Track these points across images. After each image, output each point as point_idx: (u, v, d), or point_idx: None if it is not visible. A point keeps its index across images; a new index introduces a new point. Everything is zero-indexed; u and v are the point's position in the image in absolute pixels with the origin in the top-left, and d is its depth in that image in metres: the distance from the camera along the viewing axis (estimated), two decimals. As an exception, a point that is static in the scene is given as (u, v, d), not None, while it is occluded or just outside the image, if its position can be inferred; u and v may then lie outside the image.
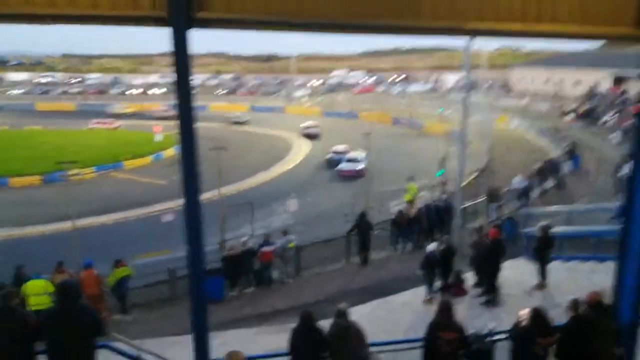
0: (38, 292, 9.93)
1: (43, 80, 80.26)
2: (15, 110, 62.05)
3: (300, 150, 39.65)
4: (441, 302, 5.81)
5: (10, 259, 17.25)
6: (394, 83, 73.93)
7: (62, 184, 27.69)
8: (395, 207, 18.66)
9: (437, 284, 10.35)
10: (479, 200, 18.43)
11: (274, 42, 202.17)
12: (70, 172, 27.39)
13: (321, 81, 79.11)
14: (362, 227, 14.26)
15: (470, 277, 10.35)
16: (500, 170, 24.48)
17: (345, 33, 6.14)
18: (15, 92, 73.35)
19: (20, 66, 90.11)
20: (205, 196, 5.84)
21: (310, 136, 44.09)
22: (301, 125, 45.95)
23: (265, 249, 13.14)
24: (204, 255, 5.76)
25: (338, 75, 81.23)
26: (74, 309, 4.74)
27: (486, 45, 43.15)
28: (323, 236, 16.78)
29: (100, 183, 29.95)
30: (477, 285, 10.13)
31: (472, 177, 24.55)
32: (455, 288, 10.05)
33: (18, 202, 26.04)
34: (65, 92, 73.74)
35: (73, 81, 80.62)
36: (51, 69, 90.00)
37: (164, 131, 39.25)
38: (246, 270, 13.10)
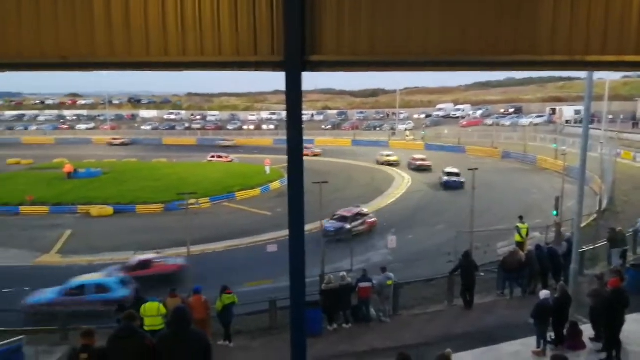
0: (153, 314, 10.75)
1: (170, 117, 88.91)
2: (145, 144, 69.41)
3: (402, 184, 39.25)
4: (555, 356, 5.35)
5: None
6: (503, 115, 70.76)
7: (181, 212, 30.27)
8: (503, 248, 17.57)
9: (550, 335, 9.50)
10: (599, 244, 16.71)
11: (380, 76, 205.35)
12: (188, 202, 29.91)
13: (426, 114, 78.26)
14: (467, 268, 13.60)
15: (588, 330, 9.36)
16: (624, 210, 22.07)
17: (459, 70, 6.11)
18: (146, 127, 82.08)
19: (150, 104, 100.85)
20: (307, 228, 6.03)
21: (421, 169, 43.64)
22: (411, 158, 46.18)
23: (363, 285, 13.05)
24: (305, 287, 5.91)
25: (444, 108, 79.72)
26: (186, 334, 5.02)
27: (610, 74, 39.62)
28: (423, 275, 16.28)
29: (214, 213, 32.04)
30: (595, 339, 9.13)
31: (592, 218, 22.42)
32: (571, 341, 9.15)
33: (142, 228, 28.73)
34: (188, 128, 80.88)
35: (195, 118, 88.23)
36: (177, 107, 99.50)
37: (273, 164, 41.36)
38: (344, 305, 13.08)
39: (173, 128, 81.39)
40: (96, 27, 5.02)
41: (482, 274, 15.38)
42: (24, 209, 32.41)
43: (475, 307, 13.49)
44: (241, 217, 30.89)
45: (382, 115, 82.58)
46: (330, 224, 24.00)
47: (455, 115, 75.28)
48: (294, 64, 5.11)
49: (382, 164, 47.41)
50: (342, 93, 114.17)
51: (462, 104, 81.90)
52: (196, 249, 21.08)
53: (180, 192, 28.66)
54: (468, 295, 13.59)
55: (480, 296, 14.13)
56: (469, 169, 22.10)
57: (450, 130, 62.83)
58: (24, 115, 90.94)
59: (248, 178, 40.88)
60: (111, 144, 69.17)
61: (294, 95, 5.21)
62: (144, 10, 5.02)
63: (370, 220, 26.08)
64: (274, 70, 5.25)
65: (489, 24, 5.04)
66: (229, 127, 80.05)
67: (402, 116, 76.99)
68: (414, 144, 59.24)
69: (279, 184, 38.75)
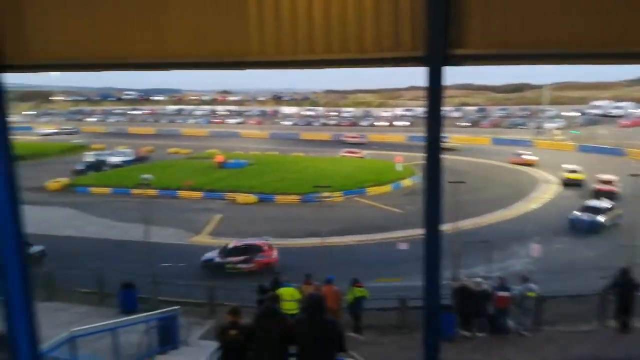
0: (287, 299, 11.36)
1: (307, 113, 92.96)
2: (285, 138, 73.54)
3: (549, 188, 36.03)
4: None
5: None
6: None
7: (316, 204, 31.59)
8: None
9: None
10: None
11: (525, 70, 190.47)
12: (323, 195, 31.09)
13: (578, 112, 70.68)
14: (624, 286, 12.04)
15: None
16: None
17: (622, 63, 5.47)
18: (286, 123, 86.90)
19: (291, 101, 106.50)
20: (442, 228, 5.87)
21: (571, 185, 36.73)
22: (564, 170, 38.63)
23: (502, 294, 12.30)
24: (440, 290, 5.79)
25: (600, 105, 71.20)
26: (320, 321, 5.17)
27: None
28: (571, 290, 14.81)
29: (346, 207, 32.80)
30: None
31: None
32: None
33: (281, 217, 30.56)
34: (324, 124, 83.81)
35: (331, 114, 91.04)
36: (315, 103, 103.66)
37: (405, 162, 40.92)
38: (479, 312, 12.49)
39: (310, 124, 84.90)
40: (250, 28, 5.33)
41: (644, 294, 13.48)
42: (181, 193, 36.60)
43: (633, 331, 11.90)
44: (372, 213, 31.17)
45: (527, 112, 76.53)
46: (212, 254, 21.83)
47: (614, 113, 66.78)
48: (436, 59, 4.97)
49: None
50: (481, 88, 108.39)
51: (622, 100, 72.30)
52: (329, 240, 21.84)
53: (316, 185, 30.01)
54: (624, 316, 12.03)
55: (640, 319, 12.42)
56: (630, 175, 19.53)
57: (608, 130, 56.01)
58: (182, 109, 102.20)
59: (379, 174, 41.04)
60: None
61: (435, 91, 5.07)
62: (292, 10, 5.24)
63: (263, 259, 21.35)
64: (415, 65, 5.17)
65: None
66: (362, 123, 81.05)
67: (550, 113, 70.50)
68: (564, 145, 53.95)
69: (411, 181, 38.24)
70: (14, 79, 5.82)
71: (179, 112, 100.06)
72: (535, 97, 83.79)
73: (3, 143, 5.58)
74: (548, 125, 64.85)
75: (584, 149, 50.79)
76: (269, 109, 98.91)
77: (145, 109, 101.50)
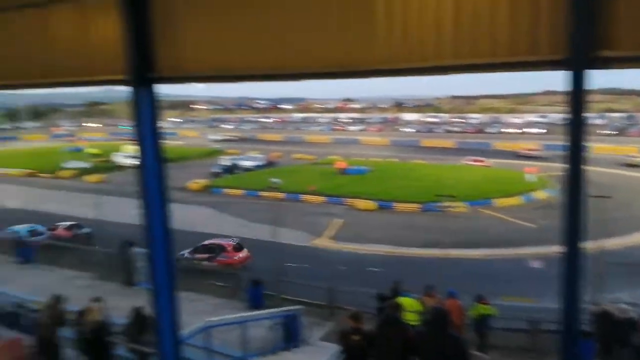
0: (407, 309, 11.19)
1: (429, 120, 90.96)
2: (405, 145, 72.76)
3: None
4: None
5: (388, 272, 20.35)
6: None
7: (437, 214, 30.75)
8: None
9: None
10: None
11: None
12: (445, 204, 30.15)
13: None
14: None
15: None
16: None
17: None
18: (407, 130, 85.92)
19: (413, 108, 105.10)
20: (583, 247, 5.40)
21: None
22: None
23: (654, 324, 10.87)
24: (580, 314, 5.31)
25: None
26: (445, 336, 5.02)
27: None
28: None
29: (471, 218, 31.43)
30: None
31: None
32: None
33: (400, 225, 30.27)
34: (447, 131, 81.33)
35: (455, 121, 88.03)
36: (438, 109, 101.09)
37: (538, 172, 38.00)
38: (623, 342, 11.16)
39: (431, 131, 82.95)
40: (377, 36, 5.29)
41: None
42: (305, 197, 38.13)
43: None
44: (499, 226, 29.44)
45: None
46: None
47: None
48: (580, 61, 4.56)
49: None
50: (630, 93, 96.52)
51: None
52: (451, 252, 21.15)
53: (438, 194, 29.24)
54: None
55: None
56: None
57: None
58: (308, 117, 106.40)
59: (507, 185, 38.64)
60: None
61: (577, 97, 4.65)
62: (420, 14, 5.12)
63: (225, 260, 21.66)
64: (555, 69, 4.80)
65: None
66: (490, 130, 77.03)
67: None
68: None
69: (545, 194, 35.41)
70: (164, 90, 6.64)
71: (304, 120, 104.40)
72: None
73: (155, 147, 6.38)
74: None
75: None
76: (390, 116, 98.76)
77: (275, 117, 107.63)
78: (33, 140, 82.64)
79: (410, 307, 11.60)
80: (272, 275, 17.69)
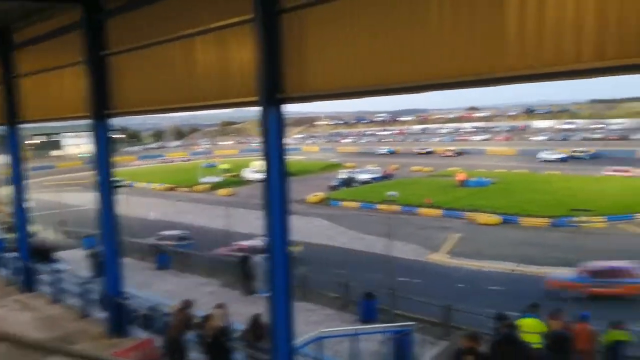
0: (529, 330, 10.35)
1: (564, 127, 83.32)
2: (534, 155, 67.41)
3: None
4: None
5: (509, 292, 18.99)
6: None
7: (570, 229, 27.97)
8: None
9: None
10: None
11: None
12: (580, 219, 27.32)
13: None
14: None
15: None
16: None
17: None
18: (539, 138, 79.60)
19: (547, 114, 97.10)
20: None
21: None
22: None
23: None
24: None
25: None
26: None
27: None
28: None
29: (610, 234, 28.15)
30: None
31: None
32: None
33: (527, 241, 28.11)
34: (585, 138, 73.84)
35: (595, 127, 79.63)
36: (575, 115, 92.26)
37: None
38: None
39: (566, 138, 75.88)
40: (508, 39, 4.94)
41: None
42: (421, 210, 37.29)
43: None
44: (642, 243, 25.91)
45: None
46: None
47: None
48: None
49: None
50: None
51: None
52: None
53: (574, 208, 26.65)
54: None
55: None
56: None
57: None
58: (427, 128, 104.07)
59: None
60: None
61: None
62: (559, 16, 4.70)
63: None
64: None
65: None
66: (635, 136, 68.24)
67: None
68: None
69: None
70: (290, 108, 7.14)
71: (423, 131, 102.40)
72: None
73: (280, 162, 6.85)
74: None
75: None
76: (519, 123, 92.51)
77: (394, 129, 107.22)
78: (175, 157, 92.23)
79: (533, 328, 10.75)
80: (385, 289, 17.52)
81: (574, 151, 60.46)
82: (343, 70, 6.24)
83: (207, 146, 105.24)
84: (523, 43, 4.86)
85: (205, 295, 16.50)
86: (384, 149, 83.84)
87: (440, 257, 26.42)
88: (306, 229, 27.54)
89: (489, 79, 5.31)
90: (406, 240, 28.04)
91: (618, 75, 4.77)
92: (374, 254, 24.11)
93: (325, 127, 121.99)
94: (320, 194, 45.48)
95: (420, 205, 37.88)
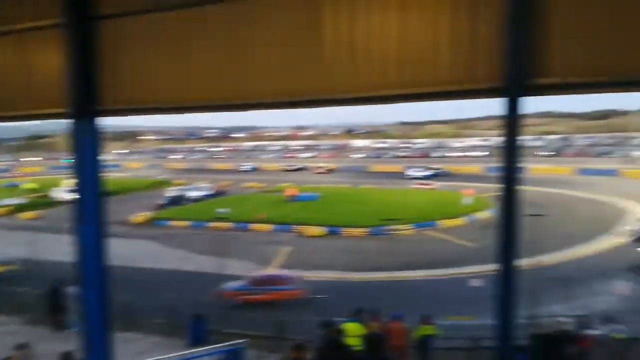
0: (352, 334, 11.05)
1: (379, 146, 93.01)
2: (355, 171, 73.78)
3: (635, 221, 32.99)
4: None
5: (335, 299, 20.24)
6: None
7: (384, 237, 31.11)
8: None
9: None
10: None
11: (614, 96, 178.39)
12: (392, 228, 30.59)
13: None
14: None
15: None
16: None
17: None
18: (357, 156, 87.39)
19: (363, 134, 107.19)
20: (518, 264, 5.56)
21: None
22: None
23: (584, 334, 11.27)
24: (514, 329, 5.41)
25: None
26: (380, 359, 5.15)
27: None
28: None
29: (417, 240, 31.97)
30: None
31: None
32: None
33: (349, 250, 30.34)
34: (395, 156, 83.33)
35: (403, 146, 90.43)
36: (387, 135, 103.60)
37: (478, 193, 39.40)
38: (558, 354, 11.48)
39: (381, 156, 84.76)
40: (324, 67, 5.39)
41: None
42: (253, 226, 37.61)
43: None
44: (443, 247, 30.11)
45: (614, 140, 71.32)
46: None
47: None
48: (515, 89, 4.82)
49: None
50: (565, 116, 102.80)
51: None
52: (396, 275, 21.35)
53: (384, 218, 29.64)
54: None
55: None
56: None
57: None
58: (259, 145, 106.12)
59: (451, 206, 39.81)
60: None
61: (512, 122, 4.89)
62: (366, 46, 5.25)
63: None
64: (492, 97, 5.03)
65: None
66: (435, 154, 79.62)
67: (639, 141, 65.23)
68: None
69: (486, 214, 36.67)
70: (110, 121, 6.48)
71: (255, 148, 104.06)
72: (622, 124, 78.05)
73: (94, 180, 6.13)
74: (637, 153, 59.99)
75: (683, 178, 46.35)
76: (340, 142, 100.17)
77: (225, 146, 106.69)
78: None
79: (355, 332, 11.50)
80: (217, 309, 17.14)
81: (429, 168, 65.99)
82: (166, 83, 5.97)
83: (9, 163, 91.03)
84: (339, 70, 5.33)
85: (4, 336, 14.09)
86: (247, 165, 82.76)
87: (272, 271, 26.87)
88: (130, 252, 25.46)
89: (313, 101, 5.68)
90: (238, 257, 27.90)
91: (415, 101, 5.59)
92: (205, 274, 23.43)
93: (151, 143, 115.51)
94: (147, 214, 42.74)
95: (252, 221, 38.16)
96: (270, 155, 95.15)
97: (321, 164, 79.61)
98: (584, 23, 4.53)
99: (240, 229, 36.99)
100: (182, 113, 6.75)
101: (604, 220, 33.69)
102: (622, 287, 16.45)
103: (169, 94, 5.99)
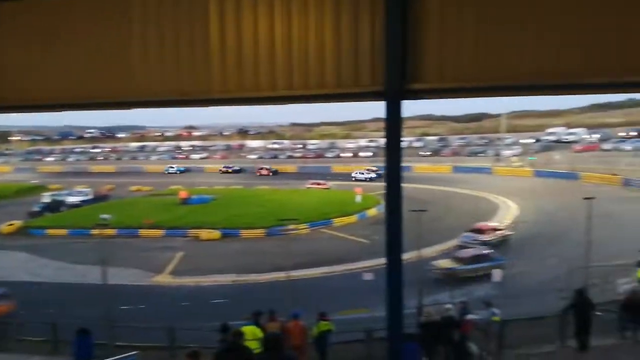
0: (249, 338, 10.96)
1: (273, 147, 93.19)
2: (250, 171, 73.19)
3: (508, 213, 37.00)
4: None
5: (233, 302, 19.98)
6: (624, 140, 64.12)
7: (281, 237, 31.24)
8: (624, 285, 15.73)
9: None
10: None
11: (484, 100, 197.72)
12: (288, 228, 30.81)
13: (534, 139, 73.49)
14: (582, 306, 12.29)
15: None
16: None
17: (573, 94, 5.75)
18: (252, 156, 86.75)
19: (257, 135, 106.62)
20: (404, 257, 5.92)
21: None
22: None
23: (466, 319, 12.34)
24: (403, 318, 5.75)
25: (555, 132, 74.23)
26: (279, 359, 5.10)
27: None
28: (531, 312, 15.05)
29: (312, 238, 32.62)
30: None
31: None
32: None
33: (245, 252, 30.07)
34: (290, 157, 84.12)
35: (296, 147, 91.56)
36: (281, 136, 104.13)
37: (367, 192, 41.38)
38: (445, 340, 12.43)
39: (276, 157, 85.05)
40: (213, 67, 5.44)
41: (600, 313, 13.84)
42: (142, 231, 35.61)
43: (592, 350, 12.12)
44: (338, 244, 31.10)
45: (485, 141, 79.07)
46: None
47: (567, 139, 69.72)
48: (394, 93, 5.15)
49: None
50: (442, 119, 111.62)
51: (575, 127, 75.81)
52: (294, 274, 21.54)
53: (281, 218, 29.78)
54: (583, 336, 12.26)
55: (598, 338, 12.65)
56: (584, 198, 20.26)
57: (562, 155, 58.40)
58: (145, 146, 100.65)
59: (345, 205, 41.23)
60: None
61: (393, 124, 5.23)
62: (255, 50, 5.36)
63: None
64: (375, 99, 5.33)
65: (608, 43, 4.68)
66: (328, 155, 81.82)
67: (508, 141, 73.03)
68: (521, 171, 55.89)
69: (376, 211, 38.56)
70: None
71: (141, 149, 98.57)
72: (493, 126, 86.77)
73: None
74: (506, 152, 67.11)
75: (540, 174, 52.78)
76: (234, 143, 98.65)
77: (107, 147, 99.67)
78: None
79: (253, 335, 11.39)
80: (102, 322, 15.96)
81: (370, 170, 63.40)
82: (41, 81, 5.50)
83: None
84: (226, 69, 5.39)
85: None
86: (174, 168, 76.92)
87: (164, 278, 25.71)
88: (1, 264, 22.74)
89: (202, 100, 5.65)
90: (126, 266, 26.29)
91: (302, 103, 5.85)
92: (89, 285, 21.68)
93: (20, 144, 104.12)
94: (17, 223, 38.51)
95: (140, 227, 36.09)
96: (158, 157, 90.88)
97: (264, 166, 73.78)
98: (456, 34, 5.02)
99: (128, 235, 34.80)
100: (59, 111, 6.29)
101: (480, 213, 37.15)
102: (496, 274, 18.28)
103: (43, 92, 5.52)
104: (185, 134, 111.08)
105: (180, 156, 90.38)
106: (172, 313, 19.32)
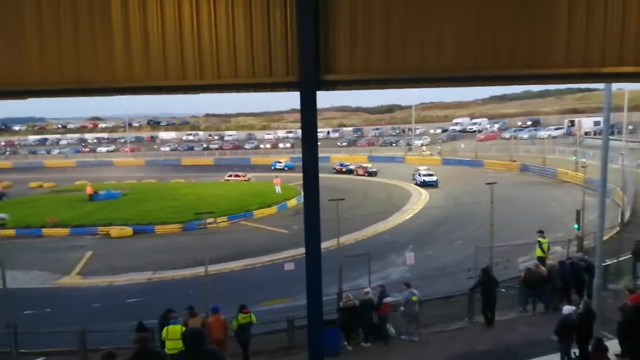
0: (175, 337, 10.66)
1: (188, 138, 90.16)
2: (164, 165, 70.40)
3: (420, 200, 38.98)
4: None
5: (149, 301, 19.22)
6: (521, 128, 69.91)
7: (199, 232, 30.40)
8: (524, 263, 17.25)
9: (575, 351, 9.24)
10: (622, 257, 16.27)
11: (395, 92, 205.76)
12: (206, 221, 30.05)
13: (442, 129, 77.91)
14: (487, 284, 13.33)
15: (613, 346, 9.05)
16: (647, 222, 21.55)
17: (474, 86, 6.12)
18: (165, 149, 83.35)
19: (169, 126, 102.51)
20: (324, 245, 6.04)
21: (426, 185, 43.50)
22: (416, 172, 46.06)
23: (384, 301, 12.87)
24: (322, 305, 5.87)
25: (460, 122, 79.23)
26: (201, 353, 5.03)
27: (629, 84, 39.01)
28: (443, 292, 16.04)
29: (232, 231, 32.11)
30: (622, 355, 8.84)
31: (615, 230, 21.88)
32: (596, 357, 8.84)
33: (161, 248, 28.95)
34: (206, 148, 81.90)
35: (213, 138, 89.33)
36: (195, 127, 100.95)
37: (285, 183, 41.56)
38: (364, 323, 12.90)
39: (191, 149, 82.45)
40: (116, 54, 5.19)
41: (503, 290, 15.10)
42: (46, 231, 32.98)
43: (497, 324, 13.21)
44: (258, 235, 30.93)
45: (397, 131, 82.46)
46: None
47: (471, 129, 74.69)
48: (308, 84, 5.19)
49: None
50: (357, 110, 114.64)
51: (478, 117, 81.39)
52: (214, 268, 21.10)
53: (198, 212, 28.95)
54: (489, 312, 13.33)
55: (502, 313, 13.83)
56: (487, 183, 21.79)
57: (467, 144, 62.47)
58: (46, 139, 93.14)
59: (265, 196, 41.03)
60: None
61: (308, 114, 5.29)
62: (162, 37, 5.17)
63: None
64: (289, 90, 5.35)
65: (504, 39, 5.07)
66: (246, 146, 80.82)
67: (418, 131, 76.75)
68: (431, 159, 59.00)
69: (296, 202, 38.83)
70: None
71: (41, 143, 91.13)
72: (404, 117, 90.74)
73: None
74: (416, 142, 70.50)
75: (448, 162, 56.11)
76: (145, 135, 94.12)
77: (1, 141, 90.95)
78: None
79: (179, 334, 11.01)
80: (3, 329, 14.64)
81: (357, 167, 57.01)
82: None
83: None
84: (130, 57, 5.22)
85: None
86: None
87: (71, 280, 24.04)
88: None
89: (104, 89, 5.43)
90: (28, 268, 24.28)
91: (214, 92, 5.78)
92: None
93: None
94: None
95: (43, 226, 33.37)
96: (60, 151, 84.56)
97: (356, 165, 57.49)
98: (366, 26, 5.19)
99: (29, 235, 32.06)
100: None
101: (394, 201, 38.76)
102: (410, 257, 19.17)
103: None
104: (90, 125, 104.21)
105: (86, 150, 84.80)
106: (82, 315, 18.14)
